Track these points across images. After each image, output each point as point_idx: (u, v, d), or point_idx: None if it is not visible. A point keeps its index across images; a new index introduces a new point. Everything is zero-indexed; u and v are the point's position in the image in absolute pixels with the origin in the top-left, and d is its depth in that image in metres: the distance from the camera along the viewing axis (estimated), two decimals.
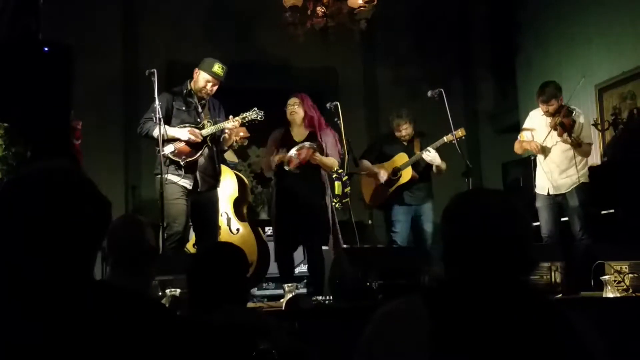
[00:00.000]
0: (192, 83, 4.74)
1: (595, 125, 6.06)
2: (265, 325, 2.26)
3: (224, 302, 2.28)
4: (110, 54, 6.78)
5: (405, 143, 5.46)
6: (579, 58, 6.60)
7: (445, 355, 1.30)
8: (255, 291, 5.59)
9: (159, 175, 4.50)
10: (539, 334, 1.34)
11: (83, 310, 1.19)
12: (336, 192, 5.26)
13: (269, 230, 5.82)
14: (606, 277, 3.93)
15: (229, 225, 5.44)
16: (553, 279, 4.08)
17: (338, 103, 5.01)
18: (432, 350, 1.30)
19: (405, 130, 5.40)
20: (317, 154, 4.80)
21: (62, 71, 4.70)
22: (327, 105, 5.07)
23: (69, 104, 4.78)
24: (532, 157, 5.57)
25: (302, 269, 5.74)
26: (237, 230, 5.48)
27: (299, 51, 6.74)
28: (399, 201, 5.36)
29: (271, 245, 5.49)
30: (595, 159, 6.06)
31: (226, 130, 4.65)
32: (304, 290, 5.14)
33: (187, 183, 4.61)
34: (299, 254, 5.34)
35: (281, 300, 4.10)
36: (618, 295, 3.88)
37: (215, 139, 4.74)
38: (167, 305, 3.12)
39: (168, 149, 4.55)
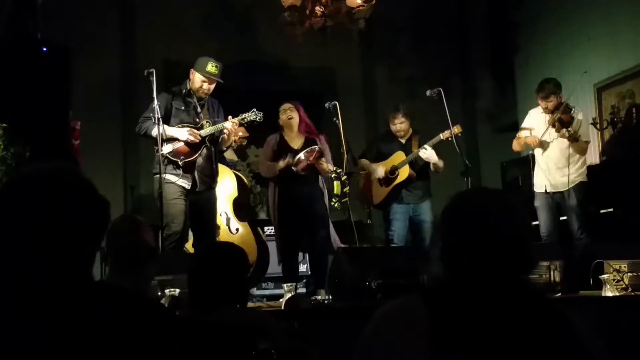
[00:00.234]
0: (190, 83, 4.74)
1: (594, 124, 6.07)
2: (265, 325, 2.26)
3: (223, 302, 2.28)
4: (109, 54, 6.76)
5: (402, 141, 5.46)
6: (578, 57, 6.61)
7: (445, 355, 1.30)
8: (254, 291, 5.59)
9: (157, 175, 4.50)
10: (538, 334, 1.34)
11: (82, 310, 1.19)
12: (335, 192, 5.26)
13: (268, 230, 5.82)
14: (605, 276, 3.94)
15: (228, 225, 5.44)
16: (552, 278, 4.08)
17: (337, 103, 5.02)
18: (431, 349, 1.30)
19: (400, 124, 5.38)
20: (323, 159, 4.85)
21: (60, 71, 4.70)
22: (326, 105, 5.07)
23: (68, 104, 4.78)
24: (531, 154, 5.57)
25: (301, 268, 5.74)
26: (237, 230, 5.47)
27: (297, 51, 6.74)
28: (397, 200, 5.36)
29: (271, 245, 5.49)
30: (593, 157, 6.07)
31: (225, 131, 4.65)
32: (303, 290, 5.14)
33: (185, 183, 4.61)
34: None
35: (280, 300, 4.11)
36: (617, 294, 3.89)
37: (214, 139, 4.74)
38: (166, 305, 3.12)
39: (166, 149, 4.55)
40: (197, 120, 4.70)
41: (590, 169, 5.30)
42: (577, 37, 6.67)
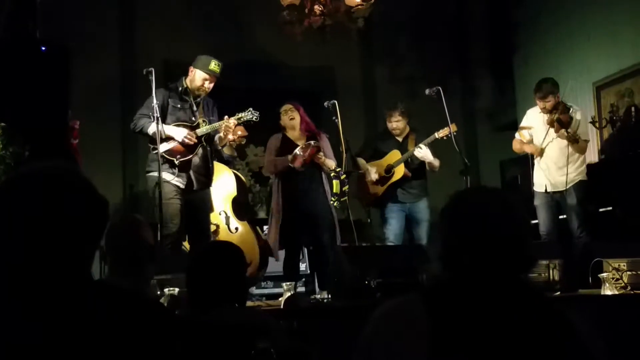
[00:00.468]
0: (187, 81, 4.72)
1: (593, 123, 6.07)
2: (265, 324, 2.26)
3: (222, 301, 2.28)
4: (108, 54, 6.75)
5: (399, 140, 5.45)
6: (577, 56, 6.61)
7: (444, 354, 1.30)
8: (253, 290, 5.58)
9: (151, 173, 4.49)
10: (538, 333, 1.34)
11: (82, 310, 1.19)
12: (334, 191, 5.26)
13: (266, 228, 5.81)
14: (604, 274, 3.94)
15: (227, 224, 5.44)
16: (551, 277, 4.08)
17: (336, 102, 5.02)
18: (431, 349, 1.30)
19: (396, 122, 5.39)
20: (321, 153, 4.84)
21: (60, 71, 4.69)
22: (325, 104, 5.07)
23: (67, 104, 4.77)
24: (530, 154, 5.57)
25: (301, 267, 5.73)
26: (236, 229, 5.47)
27: (296, 50, 6.73)
28: (393, 199, 5.36)
29: None
30: (592, 156, 6.06)
31: (220, 130, 4.64)
32: (302, 289, 5.14)
33: (180, 182, 4.60)
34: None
35: (279, 299, 4.11)
36: (616, 292, 3.89)
37: (210, 139, 4.73)
38: (165, 304, 3.12)
39: (162, 147, 4.52)
40: (193, 118, 4.68)
41: (590, 168, 5.29)
42: (576, 37, 6.66)
